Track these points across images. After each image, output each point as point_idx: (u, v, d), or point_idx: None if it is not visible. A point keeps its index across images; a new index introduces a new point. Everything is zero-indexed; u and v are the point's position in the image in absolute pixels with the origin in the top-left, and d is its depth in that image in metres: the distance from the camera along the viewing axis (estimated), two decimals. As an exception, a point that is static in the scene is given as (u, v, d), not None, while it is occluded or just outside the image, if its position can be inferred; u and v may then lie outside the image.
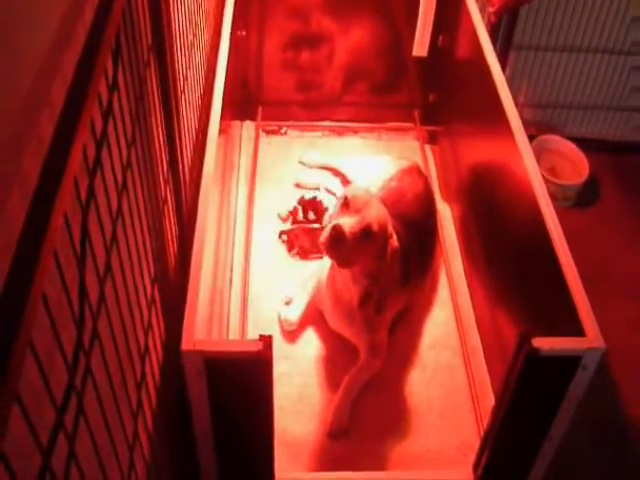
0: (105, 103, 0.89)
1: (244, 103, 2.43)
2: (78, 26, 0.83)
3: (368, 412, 1.72)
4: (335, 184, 2.22)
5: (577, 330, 1.23)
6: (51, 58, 0.78)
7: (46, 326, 0.68)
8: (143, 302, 1.12)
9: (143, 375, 1.10)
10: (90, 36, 0.83)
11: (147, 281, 1.17)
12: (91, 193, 0.83)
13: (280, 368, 1.75)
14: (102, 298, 0.83)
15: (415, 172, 2.05)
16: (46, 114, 0.75)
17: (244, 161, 2.32)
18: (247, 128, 2.45)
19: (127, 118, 1.01)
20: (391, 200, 1.83)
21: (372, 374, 1.76)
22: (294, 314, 1.86)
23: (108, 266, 0.87)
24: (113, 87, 0.91)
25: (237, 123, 2.40)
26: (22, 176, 0.69)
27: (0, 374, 0.50)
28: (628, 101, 2.74)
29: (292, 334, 1.87)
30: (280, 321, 1.87)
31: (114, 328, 0.90)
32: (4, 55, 0.68)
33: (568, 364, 1.21)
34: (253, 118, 2.46)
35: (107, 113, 0.89)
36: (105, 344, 0.85)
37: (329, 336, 1.85)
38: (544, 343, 1.18)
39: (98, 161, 0.85)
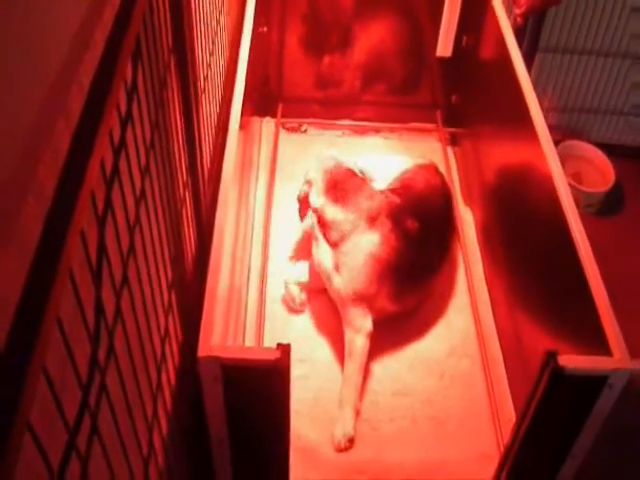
0: (124, 109, 0.86)
1: (264, 99, 2.40)
2: (97, 32, 0.81)
3: (385, 419, 1.70)
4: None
5: (603, 347, 1.19)
6: (69, 64, 0.75)
7: (59, 342, 0.66)
8: (160, 310, 1.10)
9: (159, 385, 1.07)
10: (109, 42, 0.80)
11: (164, 287, 1.15)
12: (108, 202, 0.81)
13: (296, 371, 1.71)
14: (118, 312, 0.80)
15: (432, 169, 2.01)
16: (63, 122, 0.73)
17: (263, 158, 2.30)
18: (267, 124, 2.42)
19: (146, 123, 0.99)
20: (403, 189, 1.87)
21: (361, 356, 1.71)
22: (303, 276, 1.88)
23: (125, 277, 0.85)
24: (132, 92, 0.89)
25: (257, 119, 2.37)
26: (37, 188, 0.66)
27: (12, 405, 0.48)
28: (656, 107, 2.68)
29: (300, 308, 1.89)
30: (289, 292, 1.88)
31: (130, 340, 0.88)
32: (21, 62, 0.65)
33: (594, 383, 1.18)
34: (273, 115, 2.43)
35: (126, 119, 0.86)
36: (121, 358, 0.82)
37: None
38: (570, 361, 1.15)
39: (116, 169, 0.83)
